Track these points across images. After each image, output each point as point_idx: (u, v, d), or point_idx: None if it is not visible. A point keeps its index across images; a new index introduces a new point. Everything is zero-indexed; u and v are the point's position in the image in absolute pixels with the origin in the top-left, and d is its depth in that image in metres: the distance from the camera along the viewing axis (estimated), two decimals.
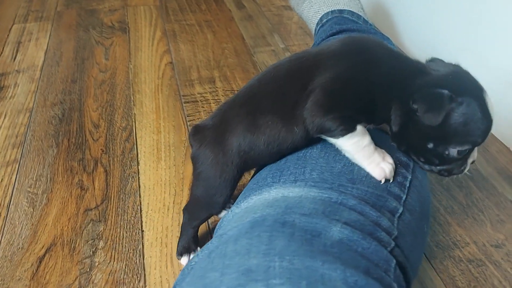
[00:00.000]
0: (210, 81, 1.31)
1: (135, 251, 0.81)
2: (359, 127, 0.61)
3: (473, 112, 0.55)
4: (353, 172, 0.62)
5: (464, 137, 0.57)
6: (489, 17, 1.10)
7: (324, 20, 1.17)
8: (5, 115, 1.15)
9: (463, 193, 0.97)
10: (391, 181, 0.62)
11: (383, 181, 0.61)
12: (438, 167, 0.62)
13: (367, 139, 0.61)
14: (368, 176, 0.62)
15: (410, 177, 0.66)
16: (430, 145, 0.59)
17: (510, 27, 1.04)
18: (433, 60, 0.65)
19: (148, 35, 1.55)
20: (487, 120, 0.57)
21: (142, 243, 0.82)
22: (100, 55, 1.42)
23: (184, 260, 0.78)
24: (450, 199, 0.95)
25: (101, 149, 1.04)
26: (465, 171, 0.62)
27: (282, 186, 0.62)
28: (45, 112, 1.16)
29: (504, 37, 1.07)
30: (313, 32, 1.28)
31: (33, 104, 1.19)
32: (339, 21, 1.12)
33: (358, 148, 0.61)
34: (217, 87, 1.28)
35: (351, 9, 1.16)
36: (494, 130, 1.13)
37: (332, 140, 0.62)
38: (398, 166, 0.65)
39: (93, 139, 1.07)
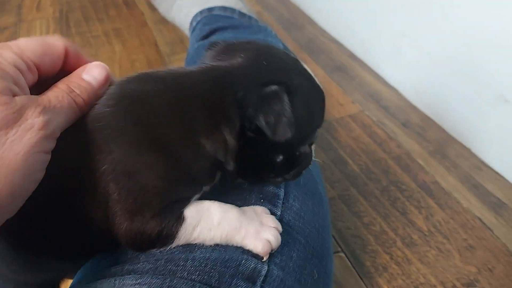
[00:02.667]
0: None
1: None
2: (190, 209, 0.39)
3: (309, 93, 0.42)
4: None
5: (309, 125, 0.42)
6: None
7: (194, 23, 0.99)
8: None
9: (422, 216, 0.79)
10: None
11: (267, 256, 0.42)
12: (290, 173, 0.45)
13: (215, 210, 0.41)
14: None
15: (279, 212, 0.48)
16: (280, 158, 0.42)
17: (451, 11, 0.87)
18: (210, 46, 0.45)
19: None
20: (320, 92, 0.43)
21: None
22: None
23: None
24: (408, 226, 0.78)
25: None
26: (313, 158, 0.47)
27: (94, 277, 0.42)
28: None
29: (446, 22, 0.90)
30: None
31: None
32: (208, 21, 0.95)
33: (212, 232, 0.40)
34: None
35: (224, 4, 0.99)
36: (450, 129, 0.99)
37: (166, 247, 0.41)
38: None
39: None
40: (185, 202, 0.39)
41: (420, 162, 0.90)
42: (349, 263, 0.72)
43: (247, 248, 0.42)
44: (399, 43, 1.08)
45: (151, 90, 0.38)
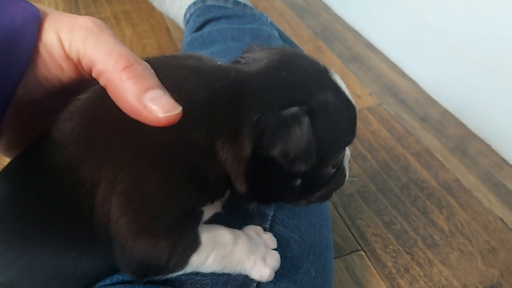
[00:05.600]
0: None
1: None
2: (205, 234, 0.38)
3: (335, 110, 0.36)
4: None
5: (333, 146, 0.38)
6: None
7: (188, 16, 0.97)
8: None
9: (443, 216, 0.78)
10: None
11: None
12: (316, 194, 0.41)
13: (228, 237, 0.39)
14: None
15: (271, 213, 0.48)
16: (298, 182, 0.38)
17: None
18: (249, 50, 0.41)
19: None
20: (350, 107, 0.38)
21: None
22: None
23: None
24: (429, 226, 0.77)
25: None
26: (347, 177, 0.43)
27: None
28: None
29: (470, 13, 0.87)
30: None
31: None
32: (202, 12, 0.93)
33: (225, 261, 0.39)
34: None
35: None
36: (470, 124, 0.97)
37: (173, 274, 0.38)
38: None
39: None
40: (197, 218, 0.37)
41: (440, 158, 0.88)
42: (370, 263, 0.72)
43: (252, 277, 0.41)
44: (419, 34, 1.05)
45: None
